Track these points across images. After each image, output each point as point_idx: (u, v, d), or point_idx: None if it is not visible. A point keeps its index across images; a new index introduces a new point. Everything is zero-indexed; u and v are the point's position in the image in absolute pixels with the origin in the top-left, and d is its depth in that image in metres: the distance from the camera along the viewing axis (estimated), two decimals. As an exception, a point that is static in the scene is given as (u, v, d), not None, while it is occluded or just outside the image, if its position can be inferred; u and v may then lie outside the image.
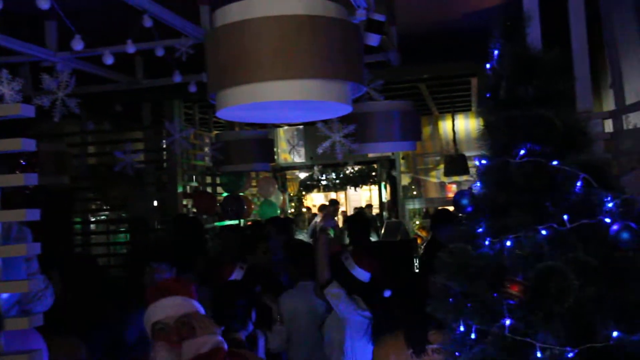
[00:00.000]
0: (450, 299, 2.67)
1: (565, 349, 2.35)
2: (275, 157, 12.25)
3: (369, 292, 4.55)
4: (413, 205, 13.70)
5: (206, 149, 8.76)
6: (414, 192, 13.92)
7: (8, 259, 2.71)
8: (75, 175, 8.83)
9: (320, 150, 4.52)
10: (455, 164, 11.07)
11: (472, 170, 2.83)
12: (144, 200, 8.63)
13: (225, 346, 2.95)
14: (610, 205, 2.47)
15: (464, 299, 2.63)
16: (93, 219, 10.58)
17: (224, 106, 2.96)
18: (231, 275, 4.39)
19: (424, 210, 13.75)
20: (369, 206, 16.40)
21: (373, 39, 4.96)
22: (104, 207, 9.94)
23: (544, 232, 2.46)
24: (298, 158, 12.66)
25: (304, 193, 16.94)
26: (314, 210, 16.41)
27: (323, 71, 2.78)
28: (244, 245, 6.09)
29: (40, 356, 2.75)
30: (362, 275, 4.58)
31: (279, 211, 11.40)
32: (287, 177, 15.41)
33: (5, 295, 2.70)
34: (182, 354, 2.88)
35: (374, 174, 15.61)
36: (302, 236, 10.24)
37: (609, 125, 4.97)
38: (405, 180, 13.70)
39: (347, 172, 16.25)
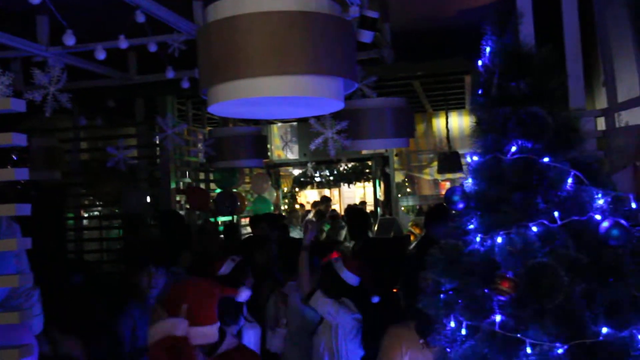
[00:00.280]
0: (442, 295, 2.68)
1: (555, 345, 2.36)
2: (269, 153, 12.24)
3: (358, 295, 4.59)
4: (407, 202, 13.72)
5: (199, 145, 8.75)
6: (408, 190, 13.93)
7: (-3, 253, 2.70)
8: (67, 170, 8.81)
9: (312, 147, 4.51)
10: (449, 161, 11.07)
11: (466, 168, 2.83)
12: (137, 196, 8.60)
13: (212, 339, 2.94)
14: (601, 202, 2.48)
15: (455, 295, 2.64)
16: (86, 215, 10.55)
17: (215, 102, 2.95)
18: (221, 268, 4.39)
19: (418, 207, 13.77)
20: (363, 203, 16.41)
21: (366, 36, 4.95)
22: (97, 203, 9.91)
23: (534, 228, 2.47)
24: (291, 154, 12.66)
25: (297, 190, 16.94)
26: (308, 207, 16.42)
27: (315, 67, 2.77)
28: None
29: (31, 351, 2.74)
30: (352, 279, 4.60)
31: (272, 207, 11.40)
32: (281, 173, 15.41)
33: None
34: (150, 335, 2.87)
35: (367, 171, 15.62)
36: (296, 233, 10.24)
37: (601, 123, 4.98)
38: (398, 177, 13.71)
39: (341, 169, 16.25)
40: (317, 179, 16.85)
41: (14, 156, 3.47)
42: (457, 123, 12.88)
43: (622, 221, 2.39)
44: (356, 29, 4.85)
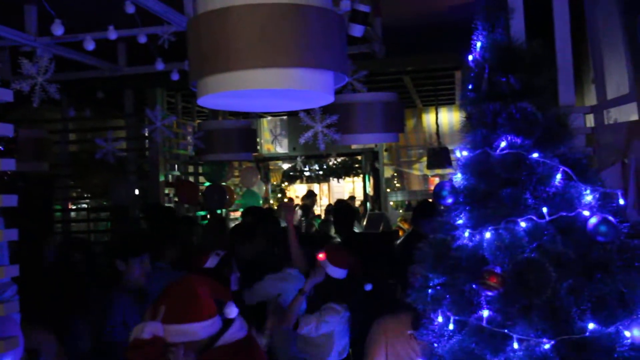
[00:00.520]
0: (430, 290, 2.68)
1: (541, 341, 2.36)
2: (258, 147, 12.22)
3: (345, 288, 4.59)
4: (396, 197, 13.74)
5: (188, 138, 8.72)
6: (397, 185, 13.95)
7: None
8: (56, 162, 8.76)
9: (302, 140, 4.51)
10: (438, 157, 11.10)
11: (455, 163, 2.82)
12: (126, 189, 8.57)
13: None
14: (589, 198, 2.49)
15: (442, 290, 2.64)
16: (74, 207, 10.51)
17: (205, 94, 2.93)
18: (206, 262, 4.38)
19: (407, 202, 13.79)
20: (352, 198, 16.41)
21: (357, 30, 4.95)
22: (85, 195, 9.87)
23: (523, 224, 2.47)
24: (280, 148, 12.64)
25: (286, 184, 16.92)
26: (297, 201, 16.41)
27: (305, 60, 2.76)
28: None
29: (16, 343, 2.72)
30: (337, 272, 4.59)
31: (261, 201, 11.38)
32: (270, 167, 15.38)
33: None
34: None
35: (357, 165, 15.62)
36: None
37: (590, 120, 4.99)
38: (388, 172, 13.73)
39: (330, 163, 16.24)
40: (307, 173, 16.83)
41: (0, 147, 3.45)
42: (447, 119, 12.91)
43: (610, 217, 2.40)
44: (347, 22, 4.84)
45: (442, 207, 2.81)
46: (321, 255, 4.62)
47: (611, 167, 4.01)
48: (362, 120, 5.44)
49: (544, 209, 2.48)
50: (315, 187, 18.24)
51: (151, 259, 4.71)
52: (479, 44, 2.72)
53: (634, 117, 4.39)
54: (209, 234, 7.42)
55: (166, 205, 8.85)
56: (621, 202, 2.51)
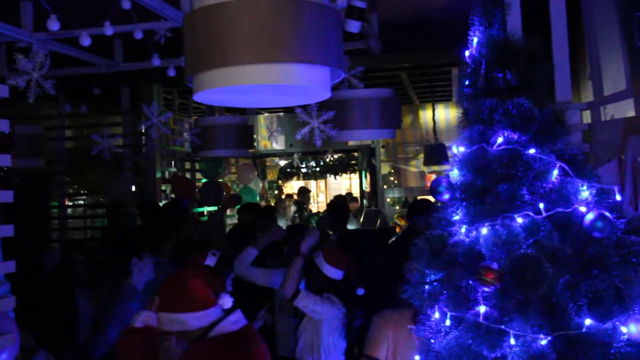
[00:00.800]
0: (426, 286, 2.68)
1: (538, 337, 2.36)
2: (255, 144, 12.21)
3: (342, 289, 4.57)
4: (392, 194, 13.74)
5: (185, 134, 8.71)
6: (394, 181, 13.96)
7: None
8: (52, 158, 8.75)
9: (298, 136, 4.49)
10: (435, 153, 11.09)
11: (452, 159, 2.83)
12: (122, 185, 8.56)
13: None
14: (586, 194, 2.49)
15: (439, 285, 2.64)
16: (70, 203, 10.49)
17: (201, 89, 2.93)
18: (205, 261, 4.37)
19: (404, 199, 13.80)
20: (349, 194, 16.40)
21: (353, 26, 4.93)
22: (82, 192, 9.86)
23: (519, 220, 2.47)
24: (276, 145, 12.63)
25: (281, 181, 16.89)
26: (296, 197, 16.38)
27: (301, 56, 2.75)
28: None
29: (13, 339, 2.72)
30: (334, 273, 4.57)
31: (258, 198, 11.37)
32: (267, 164, 15.37)
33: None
34: None
35: (354, 162, 15.61)
36: (282, 223, 10.22)
37: (587, 117, 4.99)
38: (385, 169, 13.74)
39: (327, 160, 16.23)
40: (304, 170, 16.82)
41: (-4, 142, 3.45)
42: (443, 115, 12.92)
43: (607, 213, 2.40)
44: (343, 18, 4.83)
45: (438, 203, 2.82)
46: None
47: (608, 163, 4.01)
48: (359, 116, 5.43)
49: (541, 205, 2.48)
50: (312, 184, 18.23)
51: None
52: (475, 40, 2.72)
53: (631, 114, 4.39)
54: (211, 230, 7.40)
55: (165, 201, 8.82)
56: (618, 198, 2.51)
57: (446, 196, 2.72)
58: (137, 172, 9.11)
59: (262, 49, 2.71)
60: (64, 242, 9.10)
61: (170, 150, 9.53)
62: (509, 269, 2.39)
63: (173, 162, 9.84)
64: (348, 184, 18.74)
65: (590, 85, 5.30)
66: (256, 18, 2.71)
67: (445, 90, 11.41)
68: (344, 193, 16.34)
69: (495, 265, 2.40)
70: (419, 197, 7.53)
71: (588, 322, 2.35)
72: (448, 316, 2.59)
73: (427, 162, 11.70)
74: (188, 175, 10.01)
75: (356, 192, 14.65)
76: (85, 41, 4.94)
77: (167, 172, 9.53)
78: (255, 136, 12.05)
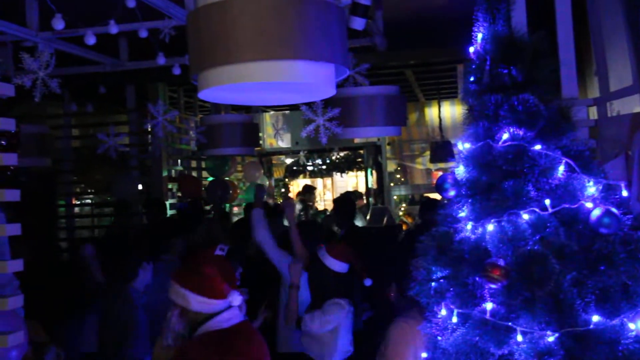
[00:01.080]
0: (433, 283, 2.67)
1: (545, 333, 2.36)
2: (261, 142, 12.20)
3: (346, 282, 4.51)
4: (399, 191, 13.72)
5: (191, 133, 8.71)
6: (400, 179, 13.93)
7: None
8: (58, 157, 8.77)
9: (304, 134, 4.49)
10: (441, 150, 11.07)
11: (458, 155, 2.82)
12: (128, 184, 8.57)
13: None
14: (592, 190, 2.48)
15: (446, 282, 2.63)
16: (77, 202, 10.51)
17: (205, 87, 2.93)
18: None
19: (410, 196, 13.78)
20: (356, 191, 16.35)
21: (358, 23, 4.93)
22: (89, 191, 9.88)
23: (525, 216, 2.46)
24: (283, 143, 12.62)
25: (288, 179, 16.89)
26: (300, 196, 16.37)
27: (305, 53, 2.75)
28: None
29: (20, 337, 2.73)
30: (337, 266, 4.49)
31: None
32: (273, 162, 15.36)
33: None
34: None
35: (360, 160, 15.59)
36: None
37: (593, 113, 4.98)
38: (391, 166, 13.71)
39: (333, 158, 16.21)
40: (310, 168, 16.81)
41: (2, 141, 3.45)
42: (449, 112, 12.89)
43: (613, 209, 2.39)
44: (348, 15, 4.83)
45: (444, 200, 2.81)
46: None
47: (614, 159, 4.00)
48: (364, 113, 5.42)
49: (547, 201, 2.47)
50: (319, 182, 18.21)
51: (159, 252, 4.75)
52: (480, 36, 2.71)
53: (637, 109, 4.39)
54: (214, 228, 7.42)
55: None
56: (624, 193, 2.50)
57: (452, 193, 2.71)
58: (143, 170, 9.13)
59: (266, 47, 2.71)
60: (72, 241, 9.13)
61: (176, 148, 9.54)
62: (515, 265, 2.38)
63: (179, 160, 9.84)
64: (354, 181, 18.73)
65: (596, 81, 5.29)
66: (260, 15, 2.71)
67: (451, 87, 11.37)
68: (350, 189, 16.31)
69: (501, 262, 2.39)
70: (425, 195, 7.53)
71: (595, 318, 2.35)
72: (455, 313, 2.59)
73: (433, 160, 11.69)
74: (194, 174, 10.02)
75: (362, 190, 14.62)
76: (90, 40, 4.95)
77: (173, 171, 9.54)
78: (261, 134, 12.04)
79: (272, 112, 12.77)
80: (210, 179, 9.78)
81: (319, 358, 4.40)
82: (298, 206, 12.40)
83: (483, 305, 2.49)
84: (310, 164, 16.52)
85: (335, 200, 7.72)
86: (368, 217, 10.60)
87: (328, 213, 12.01)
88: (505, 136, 2.57)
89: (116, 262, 4.68)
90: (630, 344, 2.32)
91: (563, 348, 2.35)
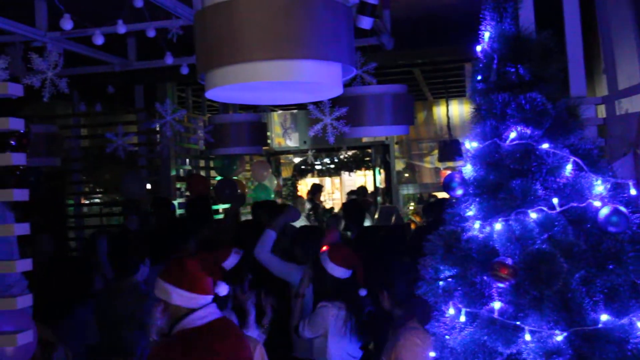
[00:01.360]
0: (440, 282, 2.67)
1: (554, 332, 2.35)
2: (269, 141, 12.22)
3: (348, 288, 4.39)
4: (407, 190, 13.71)
5: (199, 132, 8.73)
6: (409, 178, 13.92)
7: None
8: (67, 157, 8.80)
9: (311, 133, 4.49)
10: (450, 149, 11.05)
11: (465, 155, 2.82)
12: (137, 183, 8.59)
13: None
14: (600, 189, 2.47)
15: (453, 281, 2.63)
16: (87, 202, 10.54)
17: (212, 87, 2.94)
18: (227, 259, 4.37)
19: (418, 195, 13.77)
20: (362, 188, 16.30)
21: (365, 22, 4.92)
22: (97, 190, 9.91)
23: (533, 215, 2.46)
24: (291, 142, 12.63)
25: (297, 178, 16.89)
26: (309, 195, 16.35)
27: (312, 52, 2.76)
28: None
29: (29, 336, 2.74)
30: (339, 272, 4.40)
31: (272, 195, 11.38)
32: (281, 161, 15.37)
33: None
34: None
35: (368, 159, 15.58)
36: (299, 221, 10.20)
37: (602, 111, 4.96)
38: (399, 165, 13.71)
39: (342, 157, 16.21)
40: (318, 167, 16.82)
41: (12, 141, 3.47)
42: (457, 111, 12.88)
43: (622, 208, 2.38)
44: (355, 15, 4.83)
45: (452, 199, 2.81)
46: (324, 248, 4.54)
47: (623, 157, 3.99)
48: (372, 112, 5.42)
49: (555, 200, 2.46)
50: (327, 181, 18.22)
51: (168, 253, 4.76)
52: (487, 34, 2.71)
53: (646, 107, 4.37)
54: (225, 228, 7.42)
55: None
56: (633, 192, 2.49)
57: (459, 192, 2.71)
58: (152, 170, 9.15)
59: (273, 46, 2.72)
60: (81, 241, 9.17)
61: (185, 148, 9.55)
62: (523, 264, 2.38)
63: (187, 159, 9.86)
64: (363, 180, 18.72)
65: (604, 79, 5.27)
66: (267, 15, 2.72)
67: (459, 85, 11.36)
68: (354, 189, 16.27)
69: (509, 261, 2.39)
70: (433, 194, 7.52)
71: (604, 317, 2.34)
72: (463, 312, 2.58)
73: (441, 158, 11.67)
74: (203, 173, 10.04)
75: (370, 189, 14.61)
76: (99, 40, 4.97)
77: (181, 170, 9.55)
78: (269, 133, 12.05)
79: (280, 112, 12.78)
80: (219, 178, 9.80)
81: None
82: (307, 205, 12.41)
83: (491, 304, 2.49)
84: (318, 163, 16.53)
85: (344, 207, 7.72)
86: (376, 217, 10.60)
87: (334, 212, 12.01)
88: (513, 135, 2.57)
89: (121, 256, 4.72)
90: (639, 343, 2.31)
91: (571, 347, 2.34)
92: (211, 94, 3.10)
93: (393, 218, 10.09)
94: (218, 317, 3.16)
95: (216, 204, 9.68)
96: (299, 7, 2.74)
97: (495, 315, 2.45)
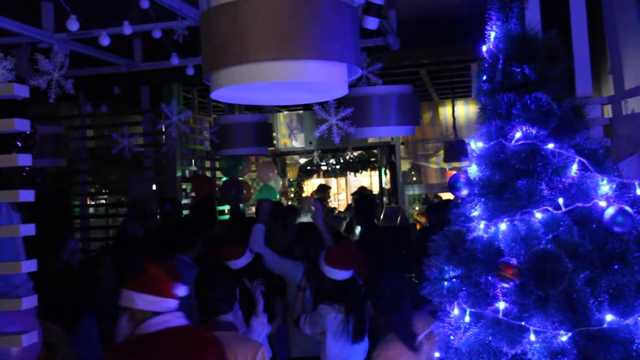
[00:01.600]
0: (445, 282, 2.67)
1: (558, 332, 2.35)
2: (275, 141, 12.22)
3: (346, 290, 4.33)
4: (413, 191, 13.70)
5: (205, 133, 8.74)
6: (414, 178, 13.91)
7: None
8: (73, 158, 8.82)
9: (317, 134, 4.50)
10: (455, 149, 11.03)
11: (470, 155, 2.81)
12: (143, 184, 8.60)
13: None
14: (606, 189, 2.47)
15: (458, 282, 2.63)
16: (93, 203, 10.56)
17: (218, 87, 2.94)
18: (241, 257, 4.39)
19: (424, 196, 13.76)
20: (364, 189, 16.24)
21: (371, 23, 4.93)
22: (103, 191, 9.93)
23: (538, 215, 2.45)
24: (296, 142, 12.63)
25: (303, 178, 16.88)
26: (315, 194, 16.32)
27: (318, 52, 2.76)
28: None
29: (34, 337, 2.75)
30: (334, 274, 4.32)
31: (278, 196, 11.38)
32: (287, 162, 15.37)
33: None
34: None
35: (373, 159, 15.57)
36: (306, 219, 10.19)
37: (608, 111, 4.95)
38: (405, 166, 13.70)
39: (347, 157, 16.20)
40: (324, 168, 16.79)
41: (18, 142, 3.48)
42: (463, 111, 12.85)
43: (627, 208, 2.38)
44: (361, 15, 4.83)
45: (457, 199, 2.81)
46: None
47: (629, 157, 3.98)
48: (377, 113, 5.42)
49: (560, 200, 2.46)
50: (333, 182, 18.19)
51: (176, 252, 4.78)
52: (493, 34, 2.70)
53: (653, 108, 4.35)
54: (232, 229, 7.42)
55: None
56: (638, 192, 2.49)
57: (464, 192, 2.71)
58: (158, 170, 9.16)
59: (279, 46, 2.72)
60: (87, 241, 9.19)
61: (190, 148, 9.56)
62: (528, 264, 2.38)
63: (193, 160, 9.87)
64: (368, 181, 18.71)
65: (611, 79, 5.26)
66: (272, 15, 2.72)
67: (465, 86, 11.35)
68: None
69: (514, 261, 2.39)
70: (438, 194, 7.51)
71: (609, 317, 2.34)
72: (467, 312, 2.58)
73: (447, 159, 11.66)
74: (208, 174, 10.05)
75: (376, 189, 14.60)
76: (105, 41, 4.98)
77: (187, 171, 9.56)
78: (275, 134, 12.05)
79: (285, 112, 12.78)
80: (224, 179, 9.81)
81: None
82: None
83: (496, 304, 2.49)
84: (324, 163, 16.51)
85: (355, 199, 7.68)
86: (381, 217, 10.59)
87: (336, 213, 12.01)
88: (518, 135, 2.56)
89: (124, 259, 4.73)
90: (644, 343, 2.31)
91: (576, 347, 2.34)
92: (217, 95, 3.10)
93: (398, 219, 10.09)
94: (182, 325, 3.11)
95: (222, 204, 9.69)
96: (304, 7, 2.74)
97: (500, 315, 2.45)
